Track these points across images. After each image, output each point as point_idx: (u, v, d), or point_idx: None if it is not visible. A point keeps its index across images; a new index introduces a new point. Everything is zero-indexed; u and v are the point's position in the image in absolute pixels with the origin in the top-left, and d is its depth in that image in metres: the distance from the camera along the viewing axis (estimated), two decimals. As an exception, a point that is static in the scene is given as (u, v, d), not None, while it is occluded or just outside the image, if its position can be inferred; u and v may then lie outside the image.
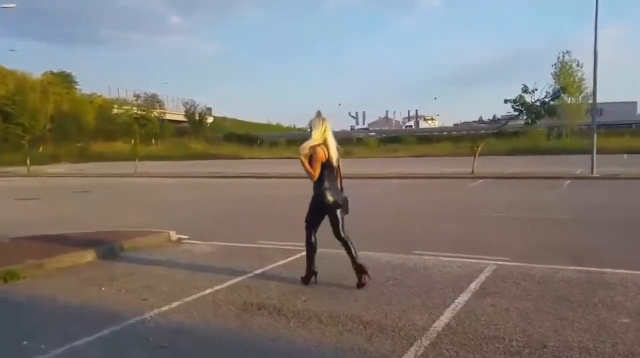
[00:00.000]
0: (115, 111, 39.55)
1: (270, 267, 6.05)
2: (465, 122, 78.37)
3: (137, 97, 40.21)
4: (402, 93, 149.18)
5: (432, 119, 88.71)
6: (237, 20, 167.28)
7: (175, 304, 4.77)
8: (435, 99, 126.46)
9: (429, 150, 39.15)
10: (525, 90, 17.13)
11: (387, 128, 74.18)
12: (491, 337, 3.78)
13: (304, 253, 5.31)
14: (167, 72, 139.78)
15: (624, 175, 16.77)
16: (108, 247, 6.96)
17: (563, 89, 16.85)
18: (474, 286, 5.08)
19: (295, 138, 60.51)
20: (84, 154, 43.23)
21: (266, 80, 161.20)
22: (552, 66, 33.64)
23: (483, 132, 26.60)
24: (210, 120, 68.21)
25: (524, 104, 17.16)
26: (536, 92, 17.11)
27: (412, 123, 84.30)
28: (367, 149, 45.02)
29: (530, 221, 9.26)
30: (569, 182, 15.50)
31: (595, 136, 17.40)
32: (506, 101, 17.41)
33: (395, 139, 51.35)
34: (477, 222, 9.41)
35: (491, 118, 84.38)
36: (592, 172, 16.50)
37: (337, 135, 5.28)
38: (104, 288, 5.37)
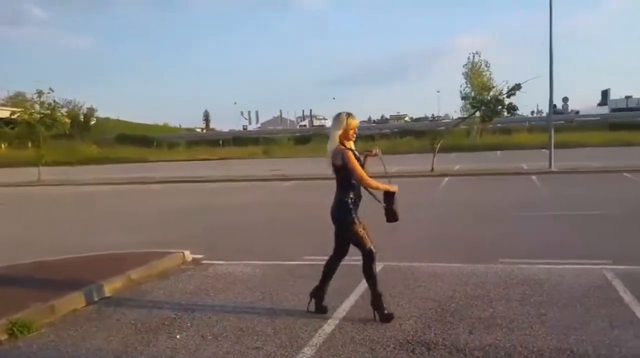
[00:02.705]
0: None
1: (361, 290, 5.09)
2: (361, 121, 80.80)
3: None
4: (297, 92, 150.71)
5: (324, 118, 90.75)
6: (114, 16, 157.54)
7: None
8: (334, 98, 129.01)
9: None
10: (483, 87, 17.61)
11: (280, 127, 74.36)
12: None
13: (380, 266, 4.96)
14: (35, 70, 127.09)
15: (578, 168, 17.75)
16: (124, 276, 5.50)
17: (518, 86, 17.47)
18: (626, 296, 4.59)
19: (194, 139, 58.81)
20: None
21: (153, 78, 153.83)
22: (463, 66, 35.50)
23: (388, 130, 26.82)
24: (93, 121, 62.98)
25: (481, 100, 17.66)
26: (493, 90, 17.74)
27: (306, 122, 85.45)
28: (281, 148, 44.36)
29: (574, 218, 9.12)
30: (534, 176, 16.06)
31: (552, 132, 18.28)
32: (463, 98, 17.77)
33: (306, 138, 51.26)
34: (518, 222, 8.98)
35: (379, 117, 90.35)
36: (550, 166, 17.31)
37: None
38: (178, 336, 4.07)
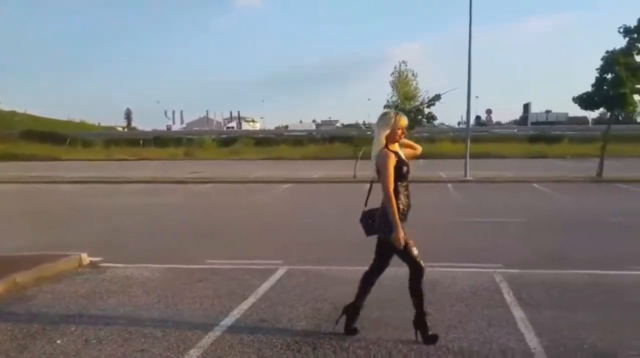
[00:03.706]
0: None
1: (259, 293, 5.25)
2: (286, 126, 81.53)
3: None
4: (224, 93, 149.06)
5: (254, 121, 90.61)
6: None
7: None
8: (263, 101, 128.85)
9: (272, 153, 39.52)
10: (406, 96, 18.32)
11: (207, 128, 73.45)
12: (599, 354, 3.75)
13: (284, 270, 5.26)
14: None
15: (493, 178, 18.84)
16: (8, 280, 5.31)
17: (438, 96, 18.36)
18: (509, 298, 5.05)
19: (112, 138, 56.55)
20: None
21: (71, 73, 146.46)
22: (391, 75, 36.88)
23: (368, 133, 27.18)
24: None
25: (403, 109, 18.33)
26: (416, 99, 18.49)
27: (234, 124, 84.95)
28: (205, 150, 43.72)
29: (478, 224, 9.68)
30: (450, 185, 16.89)
31: (469, 142, 19.30)
32: (385, 107, 18.36)
33: (231, 140, 50.86)
34: (425, 228, 9.43)
35: (311, 122, 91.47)
36: (466, 176, 18.27)
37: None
38: (58, 342, 4.00)
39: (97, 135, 58.74)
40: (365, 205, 4.21)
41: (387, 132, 3.89)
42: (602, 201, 13.33)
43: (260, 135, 57.71)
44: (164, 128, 73.43)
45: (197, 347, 3.90)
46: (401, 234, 3.82)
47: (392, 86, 36.08)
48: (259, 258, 6.81)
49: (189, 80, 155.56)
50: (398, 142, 3.97)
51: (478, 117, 74.07)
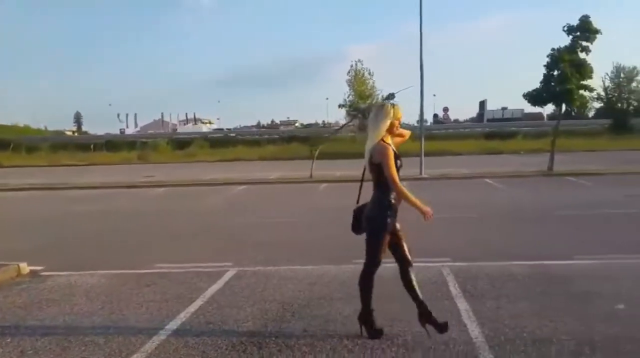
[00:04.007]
0: None
1: (207, 296, 5.25)
2: (245, 126, 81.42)
3: None
4: (180, 95, 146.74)
5: (210, 122, 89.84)
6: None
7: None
8: (219, 101, 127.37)
9: (229, 154, 39.20)
10: (361, 96, 18.57)
11: (162, 131, 72.37)
12: (536, 340, 3.90)
13: (234, 272, 5.29)
14: None
15: (448, 175, 19.25)
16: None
17: (392, 95, 18.62)
18: (454, 290, 5.20)
19: (61, 142, 54.76)
20: None
21: (14, 75, 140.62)
22: (347, 73, 37.30)
23: (326, 135, 27.21)
24: None
25: (358, 108, 18.56)
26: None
27: (190, 126, 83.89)
28: (159, 153, 42.94)
29: (447, 220, 9.83)
30: (405, 182, 17.07)
31: (423, 140, 19.66)
32: (340, 106, 18.59)
33: (186, 143, 50.15)
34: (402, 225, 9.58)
35: (270, 122, 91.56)
36: (421, 173, 18.60)
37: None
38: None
39: (44, 139, 56.90)
40: (357, 202, 4.23)
41: (388, 123, 3.90)
42: (551, 194, 13.83)
43: (215, 136, 57.26)
44: (117, 132, 71.89)
45: (140, 351, 3.88)
46: (424, 207, 3.89)
47: (348, 85, 36.71)
48: (208, 261, 6.78)
49: (142, 82, 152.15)
50: (393, 134, 3.99)
51: (436, 115, 75.67)
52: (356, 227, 4.20)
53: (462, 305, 4.77)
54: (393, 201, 3.94)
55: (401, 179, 3.96)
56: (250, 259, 6.80)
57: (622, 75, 57.52)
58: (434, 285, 5.41)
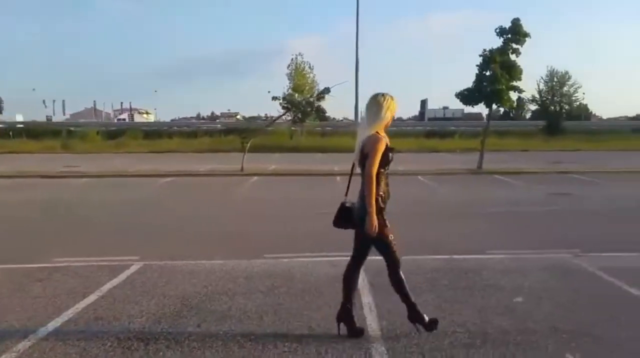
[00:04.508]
0: None
1: (103, 291, 5.07)
2: (184, 118, 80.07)
3: None
4: (114, 83, 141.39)
5: (147, 113, 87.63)
6: None
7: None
8: (155, 91, 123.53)
9: (163, 145, 38.24)
10: (295, 89, 18.57)
11: (95, 119, 69.82)
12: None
13: (139, 266, 5.24)
14: None
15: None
16: None
17: (327, 89, 18.70)
18: (363, 283, 5.22)
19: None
20: None
21: None
22: (287, 67, 37.39)
23: (220, 127, 26.95)
24: None
25: (292, 101, 18.52)
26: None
27: (125, 116, 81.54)
28: (87, 142, 41.25)
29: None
30: (339, 177, 17.25)
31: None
32: (274, 98, 18.48)
33: (118, 133, 48.47)
34: (302, 220, 9.60)
35: (210, 114, 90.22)
36: (355, 169, 18.65)
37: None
38: None
39: None
40: (346, 194, 4.14)
41: (389, 117, 3.86)
42: (476, 191, 14.27)
43: (151, 128, 55.72)
44: (44, 118, 68.47)
45: (11, 351, 3.68)
46: (375, 221, 3.75)
47: (288, 79, 36.85)
48: (114, 254, 6.53)
49: (72, 69, 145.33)
50: (387, 126, 3.92)
51: (377, 112, 76.64)
52: (338, 222, 4.12)
53: (367, 298, 4.83)
54: (382, 193, 3.85)
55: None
56: (158, 253, 6.61)
57: (555, 79, 60.45)
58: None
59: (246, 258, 6.34)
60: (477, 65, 17.70)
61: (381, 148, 3.72)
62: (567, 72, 60.56)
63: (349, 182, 4.16)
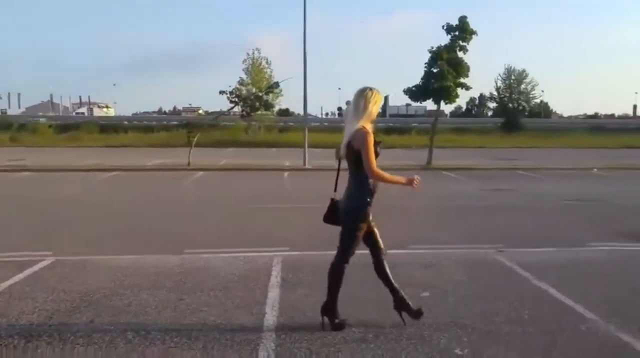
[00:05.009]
0: None
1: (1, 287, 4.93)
2: (145, 112, 78.67)
3: None
4: (71, 76, 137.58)
5: (107, 107, 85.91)
6: None
7: None
8: (114, 84, 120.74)
9: (118, 140, 37.48)
10: (241, 83, 18.43)
11: (52, 113, 67.96)
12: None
13: (50, 261, 5.14)
14: None
15: (332, 166, 19.39)
16: None
17: (276, 84, 18.64)
18: (274, 280, 5.27)
19: None
20: None
21: None
22: (243, 62, 37.16)
23: (175, 122, 26.44)
24: None
25: (239, 95, 18.36)
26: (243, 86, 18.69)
27: (84, 109, 79.78)
28: (38, 136, 40.06)
29: (280, 210, 9.94)
30: (286, 173, 17.27)
31: (307, 131, 19.87)
32: (221, 92, 18.28)
33: (72, 126, 47.27)
34: (232, 215, 9.56)
35: (172, 109, 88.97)
36: (305, 164, 18.80)
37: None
38: None
39: None
40: (335, 189, 4.11)
41: (375, 111, 3.89)
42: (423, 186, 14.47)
43: (111, 122, 54.60)
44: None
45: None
46: (409, 178, 3.99)
47: (245, 73, 36.53)
48: (27, 249, 6.35)
49: (28, 61, 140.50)
50: (373, 120, 3.93)
51: (340, 109, 77.23)
52: (328, 218, 4.13)
53: (273, 293, 4.81)
54: (372, 188, 3.87)
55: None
56: (74, 249, 6.49)
57: (512, 77, 61.89)
58: (257, 274, 5.42)
59: (166, 253, 6.27)
60: (426, 63, 17.97)
61: (371, 142, 3.77)
62: (524, 70, 62.18)
63: (337, 177, 4.15)
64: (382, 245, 4.11)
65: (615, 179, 16.90)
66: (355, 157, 3.81)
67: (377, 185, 3.94)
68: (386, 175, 3.86)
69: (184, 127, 22.36)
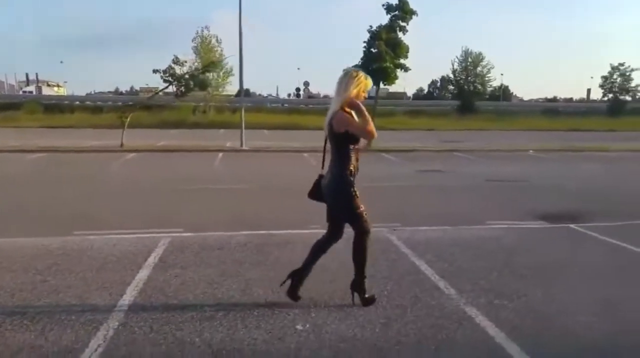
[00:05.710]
0: None
1: None
2: (100, 92, 76.69)
3: None
4: (16, 53, 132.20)
5: (59, 86, 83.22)
6: None
7: None
8: (62, 62, 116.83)
9: (62, 120, 36.42)
10: (176, 61, 18.07)
11: (-1, 92, 65.73)
12: (181, 306, 4.10)
13: None
14: None
15: (270, 148, 19.62)
16: None
17: (213, 63, 18.38)
18: (152, 260, 5.28)
19: None
20: None
21: None
22: (192, 40, 36.58)
23: (130, 103, 25.89)
24: None
25: (173, 74, 18.04)
26: (186, 64, 18.38)
27: (32, 88, 76.99)
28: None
29: (195, 192, 9.87)
30: (221, 154, 17.18)
31: (243, 112, 19.77)
32: (155, 71, 17.90)
33: (13, 106, 45.61)
34: (144, 196, 9.53)
35: (129, 89, 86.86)
36: (242, 145, 18.73)
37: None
38: None
39: None
40: (322, 167, 4.17)
41: (355, 92, 3.89)
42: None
43: (61, 101, 52.96)
44: None
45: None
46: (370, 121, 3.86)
47: (195, 52, 35.88)
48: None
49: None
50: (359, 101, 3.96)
51: (298, 89, 76.88)
52: (313, 194, 4.23)
53: (142, 274, 4.85)
54: (352, 170, 3.95)
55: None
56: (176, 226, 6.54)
57: (469, 59, 62.69)
58: (136, 256, 5.40)
59: (54, 236, 6.18)
60: (364, 42, 18.04)
61: (352, 120, 3.85)
62: (480, 53, 63.09)
63: (324, 155, 4.21)
64: (341, 237, 4.23)
65: (547, 160, 17.48)
66: (335, 138, 3.91)
67: (358, 166, 4.05)
68: (369, 122, 3.88)
69: (119, 109, 21.78)
